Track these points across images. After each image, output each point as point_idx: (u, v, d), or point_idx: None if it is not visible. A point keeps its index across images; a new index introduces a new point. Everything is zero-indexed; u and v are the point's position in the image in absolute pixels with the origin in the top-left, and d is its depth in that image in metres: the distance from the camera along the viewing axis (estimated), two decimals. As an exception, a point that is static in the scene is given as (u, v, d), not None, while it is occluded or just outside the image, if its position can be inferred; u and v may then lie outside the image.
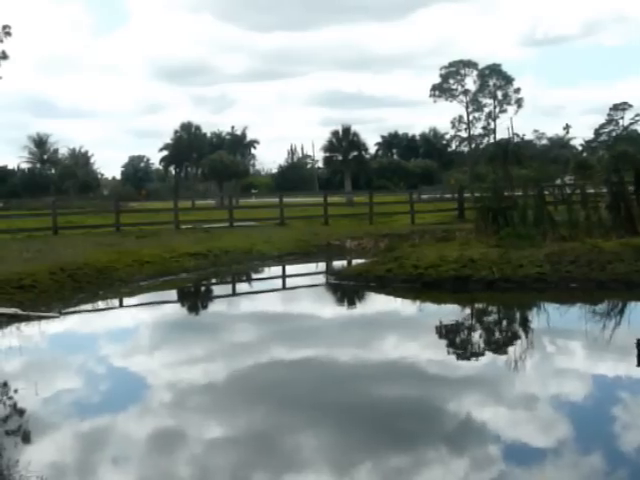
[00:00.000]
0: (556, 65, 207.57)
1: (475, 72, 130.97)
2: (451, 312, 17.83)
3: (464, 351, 14.05)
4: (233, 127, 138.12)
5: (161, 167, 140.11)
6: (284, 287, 24.23)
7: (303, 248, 30.55)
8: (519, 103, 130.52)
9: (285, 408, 10.53)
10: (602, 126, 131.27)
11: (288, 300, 21.31)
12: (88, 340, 16.09)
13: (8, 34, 39.82)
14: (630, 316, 16.68)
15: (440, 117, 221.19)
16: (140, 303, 20.40)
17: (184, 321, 18.55)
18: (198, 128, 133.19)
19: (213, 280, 25.61)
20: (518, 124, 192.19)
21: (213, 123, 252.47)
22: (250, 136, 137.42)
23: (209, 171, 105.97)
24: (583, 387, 11.36)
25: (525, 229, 23.51)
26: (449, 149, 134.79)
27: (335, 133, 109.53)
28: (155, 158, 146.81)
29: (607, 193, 26.22)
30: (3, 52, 39.98)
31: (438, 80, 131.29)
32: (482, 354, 13.76)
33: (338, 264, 25.15)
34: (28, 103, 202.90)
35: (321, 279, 23.01)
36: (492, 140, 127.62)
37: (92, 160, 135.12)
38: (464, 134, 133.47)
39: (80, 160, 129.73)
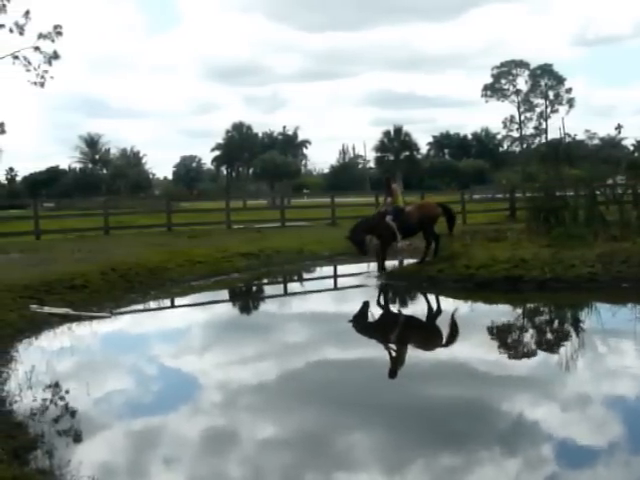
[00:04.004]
0: (608, 65, 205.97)
1: (527, 72, 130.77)
2: (503, 312, 17.71)
3: (516, 351, 13.95)
4: (285, 127, 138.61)
5: (213, 167, 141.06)
6: (335, 287, 24.25)
7: (354, 248, 30.35)
8: (571, 103, 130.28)
9: (337, 408, 10.52)
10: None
11: (339, 300, 21.27)
12: (139, 340, 16.20)
13: (59, 34, 40.23)
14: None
15: (492, 117, 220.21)
16: (191, 303, 20.41)
17: (235, 321, 18.59)
18: (250, 128, 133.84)
19: (264, 280, 25.59)
20: (569, 124, 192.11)
21: (265, 123, 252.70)
22: (302, 136, 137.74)
23: (261, 171, 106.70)
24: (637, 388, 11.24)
25: (576, 229, 23.36)
26: (501, 149, 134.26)
27: (387, 133, 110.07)
28: (207, 158, 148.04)
29: (658, 193, 26.03)
30: (55, 52, 40.41)
31: (490, 80, 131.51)
32: (534, 354, 13.66)
33: (389, 264, 25.08)
34: (80, 103, 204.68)
35: (372, 279, 22.91)
36: (544, 140, 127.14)
37: (144, 160, 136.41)
38: (516, 134, 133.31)
39: (132, 160, 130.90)
